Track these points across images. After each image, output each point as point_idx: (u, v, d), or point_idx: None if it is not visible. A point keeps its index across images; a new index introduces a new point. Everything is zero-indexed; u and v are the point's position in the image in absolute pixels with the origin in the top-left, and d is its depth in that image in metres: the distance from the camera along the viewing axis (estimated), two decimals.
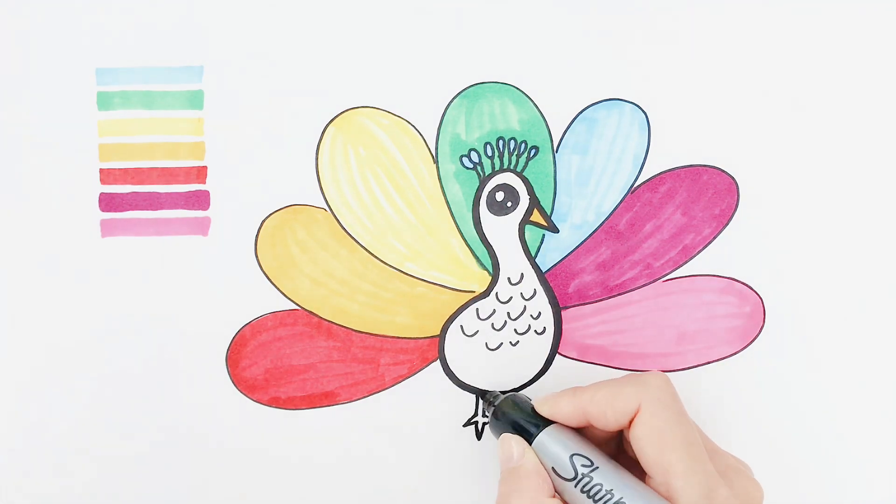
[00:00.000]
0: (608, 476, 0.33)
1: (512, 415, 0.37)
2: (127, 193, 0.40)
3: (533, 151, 0.40)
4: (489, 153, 0.40)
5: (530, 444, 0.35)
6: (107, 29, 0.40)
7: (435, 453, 0.41)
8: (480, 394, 0.41)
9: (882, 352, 0.41)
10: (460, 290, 0.41)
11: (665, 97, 0.40)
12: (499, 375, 0.41)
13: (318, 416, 0.41)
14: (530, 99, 0.40)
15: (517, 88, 0.40)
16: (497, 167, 0.40)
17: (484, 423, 0.41)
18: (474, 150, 0.40)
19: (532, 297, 0.41)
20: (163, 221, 0.40)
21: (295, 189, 0.40)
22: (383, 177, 0.40)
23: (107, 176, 0.40)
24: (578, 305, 0.41)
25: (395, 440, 0.41)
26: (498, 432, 0.37)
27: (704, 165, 0.41)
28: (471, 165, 0.40)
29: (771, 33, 0.40)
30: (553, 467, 0.35)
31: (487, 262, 0.41)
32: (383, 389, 0.41)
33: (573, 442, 0.35)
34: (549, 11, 0.40)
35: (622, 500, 0.32)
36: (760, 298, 0.41)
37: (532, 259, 0.41)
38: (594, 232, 0.41)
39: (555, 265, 0.41)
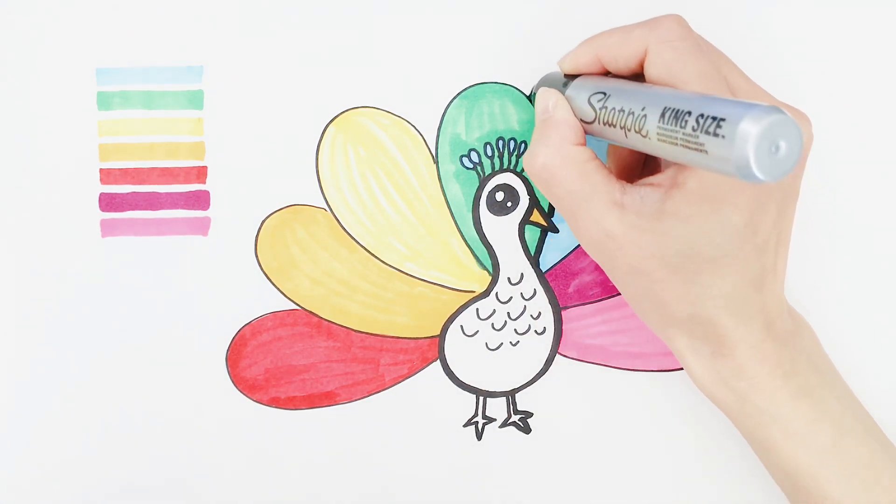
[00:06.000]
0: (620, 98, 0.32)
1: (544, 83, 0.37)
2: (127, 193, 0.40)
3: None
4: (489, 153, 0.40)
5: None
6: (107, 29, 0.40)
7: (435, 453, 0.41)
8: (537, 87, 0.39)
9: (883, 352, 0.41)
10: (460, 290, 0.41)
11: None
12: (499, 375, 0.41)
13: (318, 416, 0.41)
14: (530, 99, 0.40)
15: (517, 88, 0.40)
16: (497, 167, 0.40)
17: (484, 424, 0.41)
18: (474, 150, 0.40)
19: (532, 297, 0.41)
20: (163, 221, 0.40)
21: (295, 189, 0.40)
22: (383, 177, 0.40)
23: (107, 176, 0.40)
24: (578, 305, 0.41)
25: (395, 440, 0.41)
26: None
27: None
28: (471, 165, 0.40)
29: (770, 33, 0.40)
30: (581, 118, 0.34)
31: (487, 262, 0.41)
32: (383, 389, 0.41)
33: (596, 84, 0.34)
34: (549, 12, 0.40)
35: (638, 112, 0.31)
36: None
37: (532, 259, 0.41)
38: None
39: (555, 265, 0.41)
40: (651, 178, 0.33)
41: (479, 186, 0.40)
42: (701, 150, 0.27)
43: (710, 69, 0.32)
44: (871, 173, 0.41)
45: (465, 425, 0.41)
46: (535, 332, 0.41)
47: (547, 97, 0.36)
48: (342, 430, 0.41)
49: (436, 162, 0.40)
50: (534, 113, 0.40)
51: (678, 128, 0.28)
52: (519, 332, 0.41)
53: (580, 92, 0.35)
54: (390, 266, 0.41)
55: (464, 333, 0.41)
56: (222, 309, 0.40)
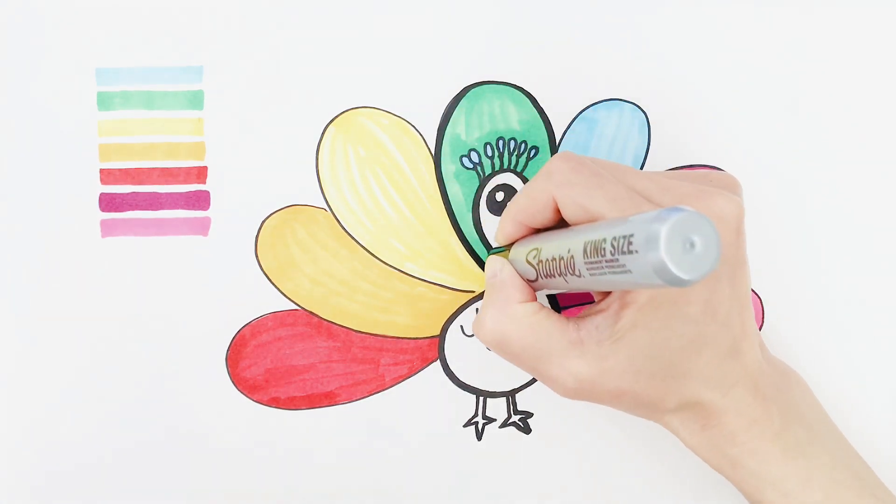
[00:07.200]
0: (548, 248, 0.32)
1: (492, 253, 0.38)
2: (127, 193, 0.40)
3: (533, 152, 0.40)
4: (489, 153, 0.40)
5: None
6: (107, 29, 0.40)
7: (435, 453, 0.41)
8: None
9: (882, 353, 0.41)
10: (460, 290, 0.41)
11: (665, 97, 0.40)
12: (499, 375, 0.41)
13: (318, 416, 0.41)
14: (530, 99, 0.40)
15: (517, 88, 0.40)
16: (497, 167, 0.40)
17: (484, 424, 0.41)
18: (474, 150, 0.40)
19: None
20: (163, 221, 0.40)
21: (295, 189, 0.40)
22: (383, 177, 0.40)
23: (107, 176, 0.40)
24: (578, 305, 0.41)
25: (395, 440, 0.41)
26: None
27: (704, 165, 0.41)
28: (471, 166, 0.40)
29: (771, 33, 0.40)
30: (527, 278, 0.35)
31: None
32: (383, 389, 0.41)
33: (529, 242, 0.35)
34: (549, 11, 0.40)
35: (566, 256, 0.31)
36: (759, 299, 0.41)
37: None
38: None
39: None
40: (599, 305, 0.34)
41: (479, 186, 0.40)
42: (626, 272, 0.27)
43: (615, 190, 0.32)
44: (871, 173, 0.41)
45: (465, 425, 0.41)
46: None
47: (493, 263, 0.36)
48: (342, 430, 0.41)
49: (436, 162, 0.40)
50: (534, 114, 0.40)
51: (600, 257, 0.28)
52: None
53: (519, 254, 0.35)
54: (390, 266, 0.41)
55: (464, 333, 0.41)
56: (222, 309, 0.40)
